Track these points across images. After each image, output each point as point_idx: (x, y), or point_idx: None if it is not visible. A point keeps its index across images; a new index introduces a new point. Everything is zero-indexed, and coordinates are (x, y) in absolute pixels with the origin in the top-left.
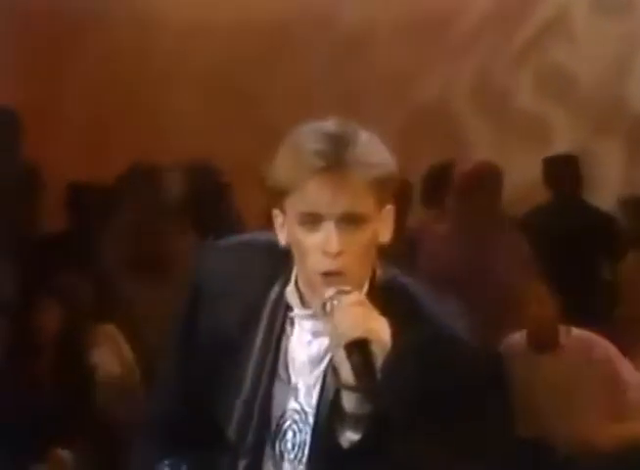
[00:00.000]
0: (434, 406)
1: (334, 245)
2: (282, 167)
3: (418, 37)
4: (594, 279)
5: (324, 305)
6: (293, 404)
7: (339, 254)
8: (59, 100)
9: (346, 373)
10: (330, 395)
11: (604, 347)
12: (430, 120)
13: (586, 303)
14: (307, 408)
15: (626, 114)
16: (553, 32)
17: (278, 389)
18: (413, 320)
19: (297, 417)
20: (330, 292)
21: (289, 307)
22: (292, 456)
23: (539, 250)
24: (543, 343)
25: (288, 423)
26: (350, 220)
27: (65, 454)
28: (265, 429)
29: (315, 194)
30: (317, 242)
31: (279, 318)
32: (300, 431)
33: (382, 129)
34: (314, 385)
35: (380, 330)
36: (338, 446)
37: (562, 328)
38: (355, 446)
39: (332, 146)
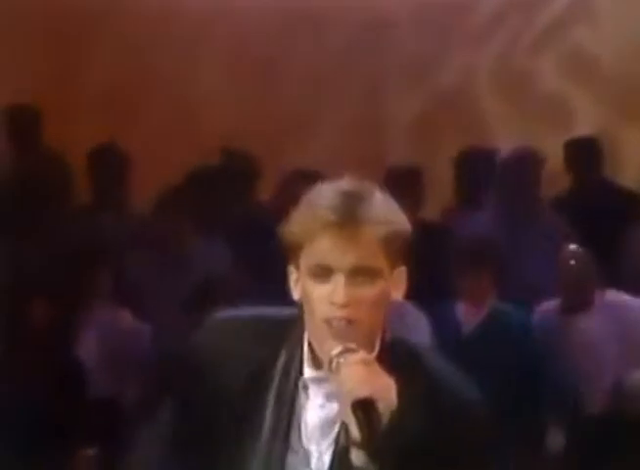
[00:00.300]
0: (440, 461)
1: (341, 296)
2: (297, 222)
3: (439, 21)
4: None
5: (330, 363)
6: None
7: (345, 305)
8: (80, 87)
9: (355, 430)
10: (342, 457)
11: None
12: (451, 105)
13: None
14: None
15: None
16: (575, 15)
17: (290, 459)
18: (418, 378)
19: None
20: (336, 350)
21: (300, 372)
22: None
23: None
24: (578, 305)
25: None
26: (360, 274)
27: (89, 453)
28: None
29: (327, 247)
30: (325, 293)
31: (290, 385)
32: None
33: (402, 114)
34: (326, 450)
35: (386, 389)
36: None
37: (597, 292)
38: None
39: (345, 202)
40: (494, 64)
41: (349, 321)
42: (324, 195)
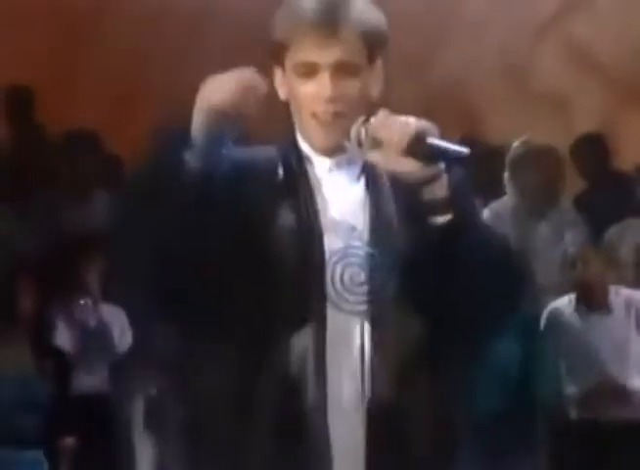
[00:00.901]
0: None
1: (327, 90)
2: (281, 23)
3: (439, 13)
4: None
5: (358, 138)
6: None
7: (331, 99)
8: (79, 77)
9: (417, 170)
10: (381, 209)
11: None
12: (451, 98)
13: None
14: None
15: None
16: (575, 5)
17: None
18: None
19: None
20: (356, 125)
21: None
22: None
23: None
24: (593, 303)
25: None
26: (343, 69)
27: (70, 442)
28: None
29: (311, 45)
30: (312, 89)
31: (302, 177)
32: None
33: (401, 108)
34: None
35: (423, 121)
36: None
37: (611, 288)
38: (449, 225)
39: (326, 2)
40: (494, 57)
41: (336, 114)
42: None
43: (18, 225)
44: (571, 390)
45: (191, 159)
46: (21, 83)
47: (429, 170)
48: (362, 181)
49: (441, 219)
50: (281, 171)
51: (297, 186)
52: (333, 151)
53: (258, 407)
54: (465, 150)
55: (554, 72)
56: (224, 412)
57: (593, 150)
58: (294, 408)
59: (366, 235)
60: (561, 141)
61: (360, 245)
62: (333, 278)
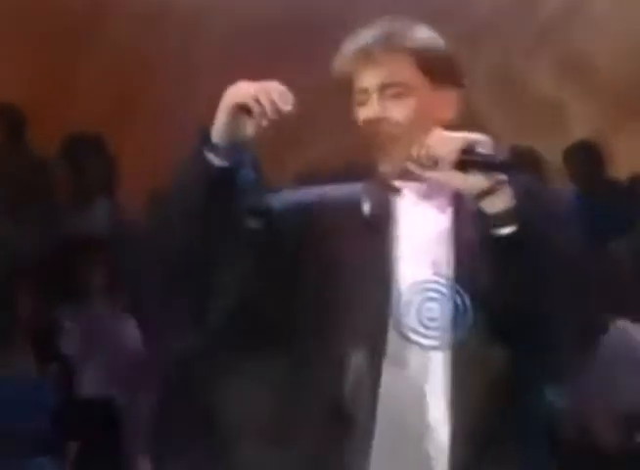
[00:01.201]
0: None
1: (374, 111)
2: (337, 60)
3: (434, 25)
4: None
5: (418, 160)
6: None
7: (377, 119)
8: (78, 77)
9: (474, 182)
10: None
11: None
12: None
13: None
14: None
15: None
16: (572, 16)
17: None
18: None
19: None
20: (415, 147)
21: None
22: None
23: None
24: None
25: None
26: (390, 91)
27: (75, 447)
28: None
29: (360, 72)
30: (365, 114)
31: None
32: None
33: None
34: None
35: (464, 133)
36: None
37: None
38: (515, 235)
39: (377, 31)
40: (490, 66)
41: (387, 135)
42: (359, 32)
43: (19, 230)
44: (565, 409)
45: (214, 158)
46: (16, 86)
47: (485, 182)
48: (449, 212)
49: (506, 231)
50: (367, 205)
51: (380, 218)
52: (408, 178)
53: (299, 429)
54: (497, 155)
55: (551, 80)
56: (258, 431)
57: (585, 157)
58: (337, 435)
59: (447, 268)
60: (557, 149)
61: (441, 278)
62: (408, 310)
